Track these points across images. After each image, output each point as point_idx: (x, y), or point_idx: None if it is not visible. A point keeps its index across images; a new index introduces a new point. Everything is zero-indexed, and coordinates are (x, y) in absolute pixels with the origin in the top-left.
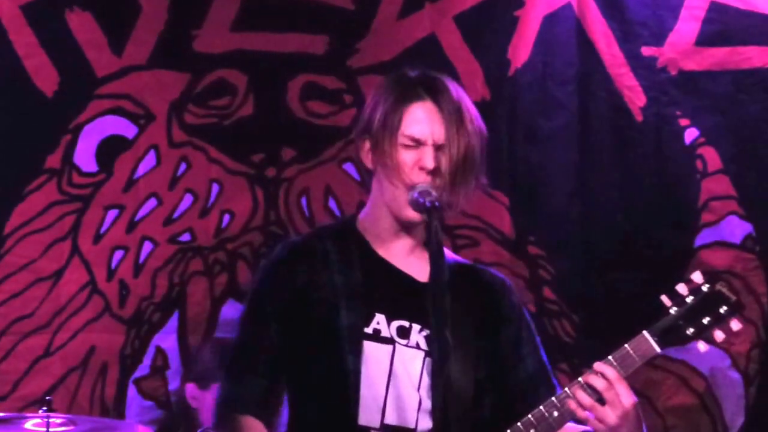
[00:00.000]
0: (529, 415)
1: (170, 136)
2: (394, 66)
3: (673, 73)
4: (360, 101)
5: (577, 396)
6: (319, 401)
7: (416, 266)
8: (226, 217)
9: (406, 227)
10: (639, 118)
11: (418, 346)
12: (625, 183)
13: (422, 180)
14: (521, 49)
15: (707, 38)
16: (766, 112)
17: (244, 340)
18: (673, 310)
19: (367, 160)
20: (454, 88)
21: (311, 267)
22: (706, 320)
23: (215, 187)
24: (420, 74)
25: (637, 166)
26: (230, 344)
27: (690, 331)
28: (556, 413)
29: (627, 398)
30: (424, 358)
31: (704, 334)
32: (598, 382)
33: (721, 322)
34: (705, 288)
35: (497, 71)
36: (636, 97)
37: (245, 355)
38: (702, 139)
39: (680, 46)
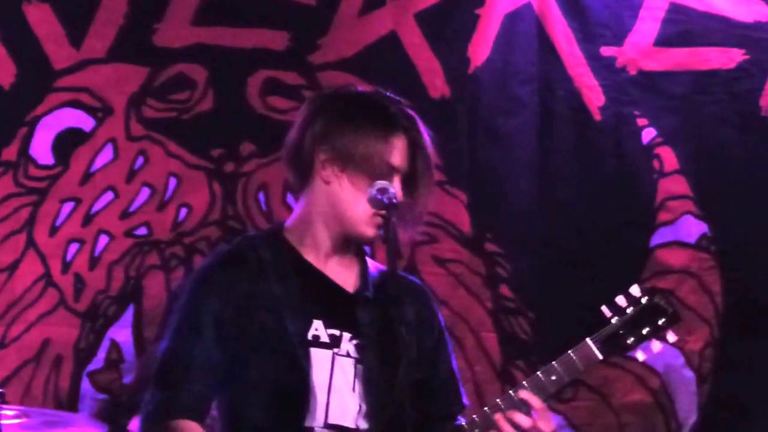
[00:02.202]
0: (461, 427)
1: (128, 130)
2: (355, 63)
3: (632, 73)
4: None
5: (500, 426)
6: (266, 406)
7: (345, 276)
8: (183, 211)
9: (347, 242)
10: (598, 117)
11: (348, 354)
12: (584, 182)
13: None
14: (481, 48)
15: (666, 39)
16: (724, 113)
17: (178, 348)
18: (614, 320)
19: (324, 171)
20: (424, 127)
21: (248, 276)
22: (645, 330)
23: (173, 181)
24: (396, 106)
25: (596, 165)
26: (161, 351)
27: (630, 340)
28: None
29: (548, 426)
30: (355, 365)
31: (643, 343)
32: (521, 418)
33: (659, 332)
34: (644, 300)
35: (457, 69)
36: (595, 97)
37: (179, 363)
38: (659, 139)
39: (639, 47)
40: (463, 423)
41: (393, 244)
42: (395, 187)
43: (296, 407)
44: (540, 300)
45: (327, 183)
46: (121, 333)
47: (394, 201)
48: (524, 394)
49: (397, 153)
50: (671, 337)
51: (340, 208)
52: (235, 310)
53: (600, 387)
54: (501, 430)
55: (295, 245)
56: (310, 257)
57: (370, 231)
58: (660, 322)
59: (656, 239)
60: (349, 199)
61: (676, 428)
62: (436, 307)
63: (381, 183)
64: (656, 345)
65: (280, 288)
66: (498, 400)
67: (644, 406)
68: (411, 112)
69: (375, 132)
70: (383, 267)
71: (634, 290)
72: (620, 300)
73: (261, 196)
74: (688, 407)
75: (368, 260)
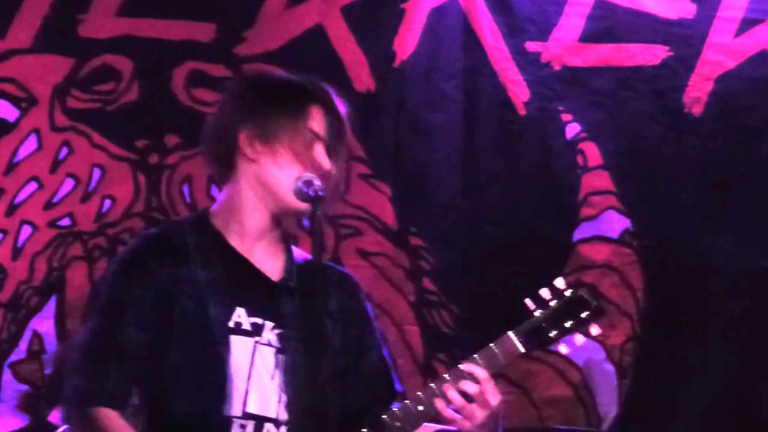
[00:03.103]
0: (395, 409)
1: (52, 120)
2: (281, 55)
3: (557, 68)
4: None
5: (448, 395)
6: (186, 393)
7: (270, 264)
8: (107, 203)
9: (276, 225)
10: (522, 112)
11: (270, 344)
12: (508, 176)
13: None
14: (407, 42)
15: (591, 35)
16: (648, 110)
17: (99, 333)
18: (537, 313)
19: (248, 150)
20: (339, 101)
21: (171, 262)
22: (568, 323)
23: (97, 172)
24: (312, 81)
25: (520, 160)
26: (82, 337)
27: (553, 333)
28: (421, 408)
29: (494, 397)
30: (276, 354)
31: (566, 336)
32: (468, 386)
33: (582, 325)
34: (568, 293)
35: (383, 63)
36: (520, 92)
37: (100, 349)
38: (584, 135)
39: (564, 42)
40: (400, 405)
41: (319, 236)
42: (320, 156)
43: (214, 395)
44: (463, 294)
45: (253, 161)
46: (44, 324)
47: (320, 194)
48: (469, 367)
49: (317, 121)
50: (594, 330)
51: (269, 184)
52: (158, 295)
53: (521, 381)
54: (448, 399)
55: (221, 231)
56: (235, 243)
57: (300, 203)
58: (583, 315)
59: (579, 234)
60: (278, 173)
61: (597, 422)
62: (362, 297)
63: (306, 175)
64: (579, 338)
65: (204, 274)
66: (445, 375)
67: (565, 400)
68: (326, 87)
69: (293, 103)
70: (309, 256)
71: (559, 283)
72: (544, 293)
73: (185, 188)
74: (608, 401)
75: (294, 249)
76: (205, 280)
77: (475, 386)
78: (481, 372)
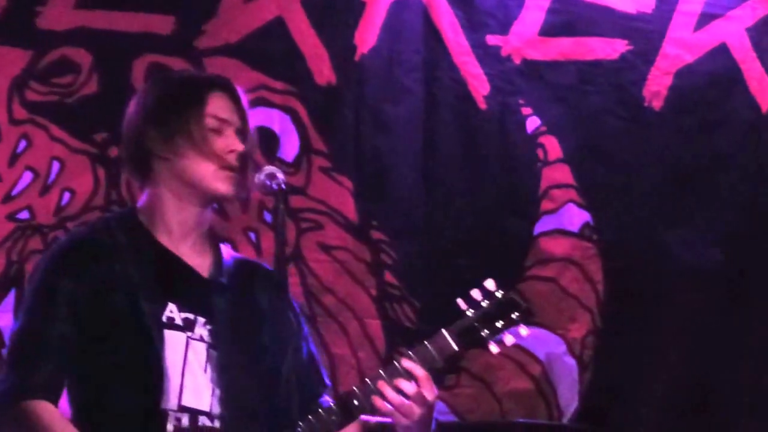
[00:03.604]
0: (331, 405)
1: (11, 113)
2: (241, 48)
3: (517, 62)
4: None
5: (385, 393)
6: (120, 388)
7: (199, 261)
8: (67, 196)
9: (198, 220)
10: (483, 106)
11: (202, 339)
12: (468, 170)
13: (231, 161)
14: (368, 35)
15: (551, 29)
16: (607, 104)
17: (31, 328)
18: (469, 312)
19: (158, 148)
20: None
21: (103, 259)
22: (499, 324)
23: (56, 165)
24: (209, 73)
25: (481, 153)
26: (13, 332)
27: (485, 332)
28: (357, 403)
29: (431, 393)
30: (208, 350)
31: (497, 336)
32: (406, 384)
33: (512, 326)
34: (498, 294)
35: (343, 56)
36: (480, 86)
37: (32, 343)
38: (544, 128)
39: (524, 36)
40: (331, 403)
41: (281, 231)
42: (230, 139)
43: (150, 389)
44: (425, 287)
45: (166, 159)
46: (3, 318)
47: (283, 187)
48: (407, 364)
49: (219, 107)
50: (524, 331)
51: (186, 178)
52: (89, 291)
53: (482, 374)
54: (385, 396)
55: (149, 228)
56: (163, 240)
57: (221, 186)
58: (514, 316)
59: (539, 227)
60: (190, 164)
61: (558, 415)
62: (289, 293)
63: (269, 168)
64: (509, 338)
65: (135, 270)
66: (380, 370)
67: (526, 394)
68: (225, 77)
69: (190, 94)
70: (238, 254)
71: (489, 284)
72: (475, 293)
73: None
74: (569, 394)
75: (222, 247)
76: (135, 276)
77: (412, 384)
78: (419, 370)
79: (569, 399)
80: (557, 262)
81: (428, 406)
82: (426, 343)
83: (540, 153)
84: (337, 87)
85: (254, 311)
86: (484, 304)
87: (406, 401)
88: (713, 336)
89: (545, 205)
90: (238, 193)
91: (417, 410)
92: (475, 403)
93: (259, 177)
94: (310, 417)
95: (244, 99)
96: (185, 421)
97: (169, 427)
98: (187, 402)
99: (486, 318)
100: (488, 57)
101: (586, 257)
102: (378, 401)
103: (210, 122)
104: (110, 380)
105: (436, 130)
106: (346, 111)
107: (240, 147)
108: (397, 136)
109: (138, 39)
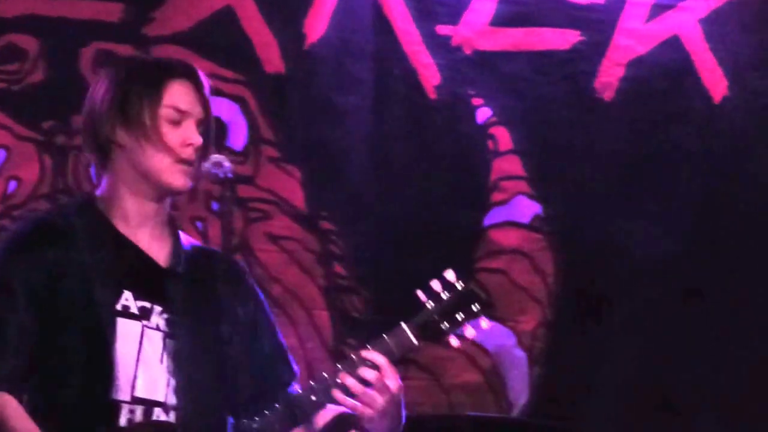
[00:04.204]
0: (298, 395)
1: None
2: (190, 36)
3: (468, 52)
4: None
5: (346, 383)
6: (73, 377)
7: (157, 249)
8: (13, 184)
9: (155, 209)
10: (433, 96)
11: (158, 328)
12: (419, 161)
13: (188, 155)
14: (317, 24)
15: (503, 19)
16: (559, 95)
17: None
18: (429, 305)
19: (116, 135)
20: (202, 74)
21: (59, 245)
22: (459, 316)
23: (2, 153)
24: (172, 59)
25: (431, 144)
26: None
27: (445, 325)
28: (314, 398)
29: (395, 383)
30: (164, 339)
31: (458, 329)
32: (368, 373)
33: (472, 318)
34: (458, 286)
35: (293, 45)
36: (431, 76)
37: None
38: (495, 119)
39: (475, 26)
40: (299, 390)
41: (228, 220)
42: (190, 132)
43: (101, 379)
44: (373, 278)
45: (122, 147)
46: None
47: (230, 175)
48: (367, 354)
49: (179, 96)
50: (485, 323)
51: (140, 167)
52: (45, 278)
53: (430, 366)
54: (347, 386)
55: (106, 215)
56: (121, 227)
57: (176, 180)
58: (474, 309)
59: (489, 219)
60: (145, 156)
61: (507, 408)
62: (251, 281)
63: (216, 157)
64: (470, 331)
65: (90, 257)
66: (338, 364)
67: (475, 386)
68: (189, 63)
69: (149, 81)
70: (197, 243)
71: (449, 275)
72: (435, 285)
73: (92, 169)
74: (519, 387)
75: (182, 235)
76: (91, 263)
77: (373, 372)
78: (380, 358)
79: (519, 392)
80: (507, 254)
81: (392, 396)
82: (385, 336)
83: (490, 144)
84: (287, 76)
85: (213, 300)
86: (444, 295)
87: (368, 390)
88: (669, 329)
89: (495, 196)
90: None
91: (380, 399)
92: (424, 396)
93: (206, 165)
94: (266, 412)
95: (207, 86)
96: (139, 413)
97: (122, 419)
98: (140, 393)
99: (446, 310)
100: (439, 47)
101: (537, 249)
102: (338, 394)
103: (168, 113)
104: (63, 371)
105: (385, 120)
106: (295, 100)
107: (198, 141)
108: (346, 126)
109: (86, 26)
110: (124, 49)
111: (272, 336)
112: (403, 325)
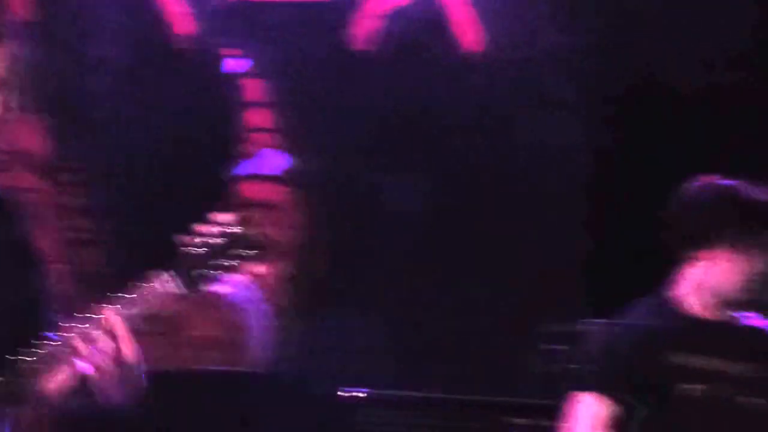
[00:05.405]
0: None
1: None
2: None
3: (225, 2)
4: None
5: (75, 345)
6: None
7: None
8: None
9: None
10: (186, 45)
11: None
12: (173, 111)
13: None
14: None
15: None
16: (316, 47)
17: None
18: (193, 250)
19: None
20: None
21: None
22: (226, 261)
23: None
24: None
25: (184, 94)
26: None
27: (210, 272)
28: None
29: (129, 345)
30: None
31: (225, 275)
32: (98, 334)
33: (241, 262)
34: (228, 229)
35: None
36: (185, 25)
37: None
38: (249, 70)
39: None
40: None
41: None
42: None
43: None
44: (116, 232)
45: None
46: None
47: None
48: (104, 321)
49: None
50: (257, 269)
51: None
52: None
53: (174, 321)
54: (76, 348)
55: None
56: None
57: None
58: (243, 253)
59: (238, 171)
60: None
61: (252, 363)
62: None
63: None
64: (238, 277)
65: None
66: (73, 323)
67: (221, 341)
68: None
69: None
70: None
71: (216, 218)
72: (201, 228)
73: None
74: (265, 342)
75: None
76: None
77: (107, 338)
78: (113, 317)
79: (265, 346)
80: (256, 207)
81: (124, 357)
82: (145, 285)
83: (242, 95)
84: (38, 23)
85: None
86: (209, 240)
87: (98, 353)
88: (422, 281)
89: (245, 148)
90: None
91: (111, 362)
92: (168, 351)
93: None
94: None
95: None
96: None
97: None
98: None
99: (214, 255)
100: None
101: (286, 202)
102: (69, 353)
103: None
104: None
105: (141, 70)
106: (47, 48)
107: None
108: (99, 75)
109: None
110: None
111: (34, 284)
112: (165, 273)
